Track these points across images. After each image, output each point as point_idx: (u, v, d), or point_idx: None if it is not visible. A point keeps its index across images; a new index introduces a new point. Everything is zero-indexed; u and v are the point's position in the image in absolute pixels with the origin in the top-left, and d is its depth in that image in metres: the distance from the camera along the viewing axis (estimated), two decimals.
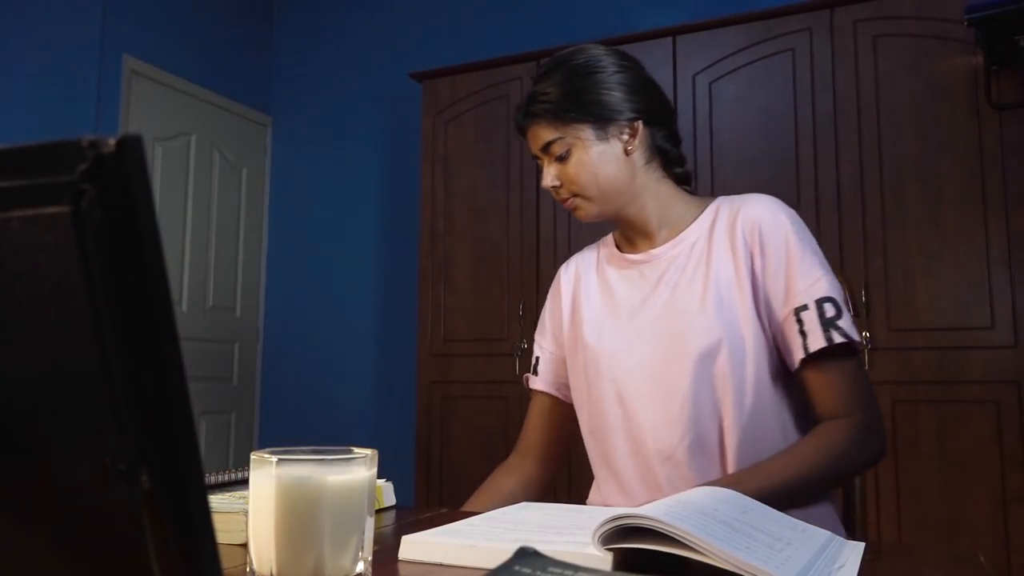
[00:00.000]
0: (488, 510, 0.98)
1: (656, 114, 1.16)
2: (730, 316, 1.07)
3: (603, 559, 0.66)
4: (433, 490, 3.05)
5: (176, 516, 0.29)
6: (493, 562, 0.57)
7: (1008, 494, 2.25)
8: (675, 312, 1.11)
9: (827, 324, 1.03)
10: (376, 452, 0.64)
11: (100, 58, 3.38)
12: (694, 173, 2.73)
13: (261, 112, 4.22)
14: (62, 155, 0.28)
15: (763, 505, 0.77)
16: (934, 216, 2.44)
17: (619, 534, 0.65)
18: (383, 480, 1.05)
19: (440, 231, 3.19)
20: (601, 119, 1.12)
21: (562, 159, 1.13)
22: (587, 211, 1.16)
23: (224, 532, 0.81)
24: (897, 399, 2.41)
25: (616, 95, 1.12)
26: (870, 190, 2.53)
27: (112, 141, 0.28)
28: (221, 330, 3.92)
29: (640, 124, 1.13)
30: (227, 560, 0.72)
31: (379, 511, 1.03)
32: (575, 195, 1.15)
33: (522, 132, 1.17)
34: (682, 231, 1.16)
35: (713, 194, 1.24)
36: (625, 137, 1.13)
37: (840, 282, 1.10)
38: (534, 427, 1.29)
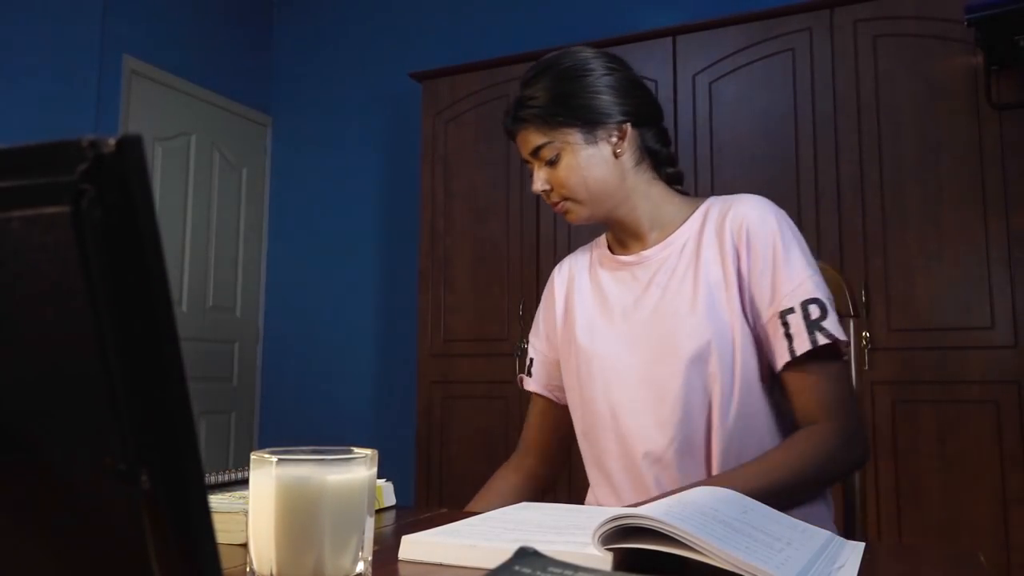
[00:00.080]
0: (492, 509, 0.98)
1: (645, 115, 1.16)
2: (719, 318, 1.07)
3: (603, 559, 0.66)
4: (433, 490, 3.05)
5: (176, 516, 0.29)
6: (493, 562, 0.57)
7: (1008, 494, 2.25)
8: (665, 314, 1.11)
9: (812, 326, 1.03)
10: (376, 452, 0.64)
11: (100, 58, 3.38)
12: (694, 173, 2.74)
13: (261, 112, 4.22)
14: (62, 155, 0.28)
15: (763, 505, 0.77)
16: (934, 216, 2.44)
17: (619, 534, 0.65)
18: (383, 480, 1.05)
19: (440, 231, 3.19)
20: (589, 123, 1.11)
21: (552, 163, 1.12)
22: (577, 214, 1.15)
23: (224, 532, 0.81)
24: (897, 399, 2.41)
25: (604, 98, 1.12)
26: (870, 190, 2.52)
27: (112, 141, 0.28)
28: (221, 330, 3.92)
29: (628, 126, 1.13)
30: (227, 560, 0.72)
31: (379, 511, 1.03)
32: (565, 199, 1.14)
33: (511, 136, 1.17)
34: (673, 232, 1.16)
35: (713, 194, 1.23)
36: (614, 140, 1.12)
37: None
38: (534, 427, 1.29)
